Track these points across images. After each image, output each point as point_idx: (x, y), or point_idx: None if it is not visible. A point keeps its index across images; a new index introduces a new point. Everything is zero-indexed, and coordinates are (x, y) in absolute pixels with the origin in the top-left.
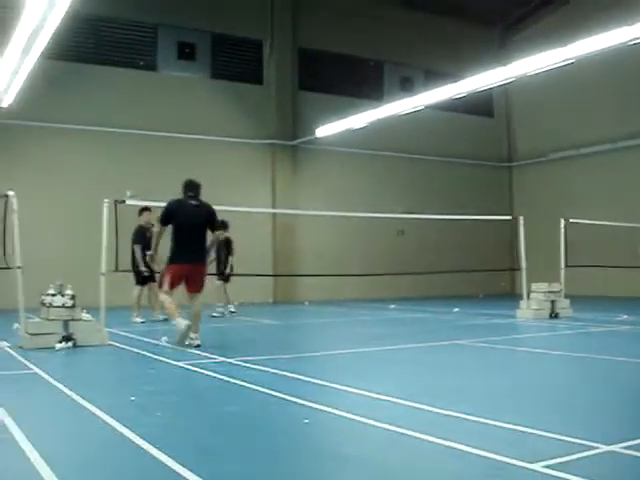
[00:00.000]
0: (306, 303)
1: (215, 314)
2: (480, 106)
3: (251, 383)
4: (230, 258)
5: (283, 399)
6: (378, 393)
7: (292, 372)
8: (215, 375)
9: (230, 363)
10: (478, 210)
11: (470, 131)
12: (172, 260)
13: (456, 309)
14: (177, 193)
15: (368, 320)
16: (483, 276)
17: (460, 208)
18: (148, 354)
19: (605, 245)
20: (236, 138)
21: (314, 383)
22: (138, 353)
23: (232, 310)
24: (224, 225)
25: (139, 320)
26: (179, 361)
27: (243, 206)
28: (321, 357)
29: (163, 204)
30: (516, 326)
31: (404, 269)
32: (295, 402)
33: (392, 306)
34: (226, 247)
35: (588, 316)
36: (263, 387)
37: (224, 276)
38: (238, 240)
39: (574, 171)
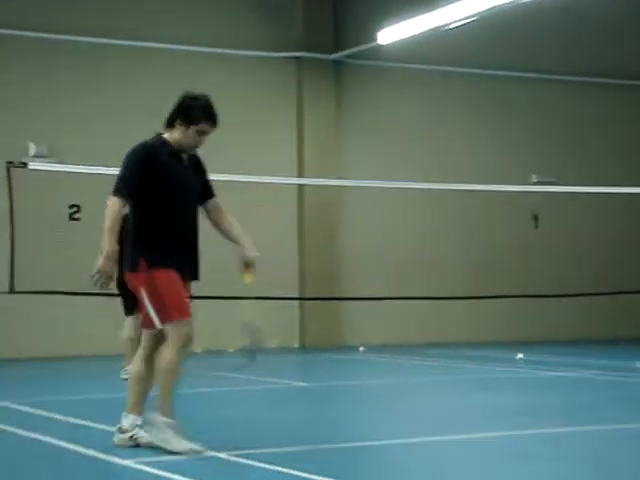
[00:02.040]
0: (361, 349)
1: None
2: None
3: None
4: None
5: None
6: None
7: (333, 477)
8: None
9: (224, 460)
10: None
11: None
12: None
13: None
14: (120, 145)
15: (473, 381)
16: None
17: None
18: (71, 446)
19: None
20: (234, 49)
21: None
22: (51, 444)
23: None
24: None
25: None
26: (127, 458)
27: (246, 173)
28: (380, 449)
29: (102, 169)
30: None
31: (542, 287)
32: None
33: (520, 355)
34: None
35: None
36: None
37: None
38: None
39: None
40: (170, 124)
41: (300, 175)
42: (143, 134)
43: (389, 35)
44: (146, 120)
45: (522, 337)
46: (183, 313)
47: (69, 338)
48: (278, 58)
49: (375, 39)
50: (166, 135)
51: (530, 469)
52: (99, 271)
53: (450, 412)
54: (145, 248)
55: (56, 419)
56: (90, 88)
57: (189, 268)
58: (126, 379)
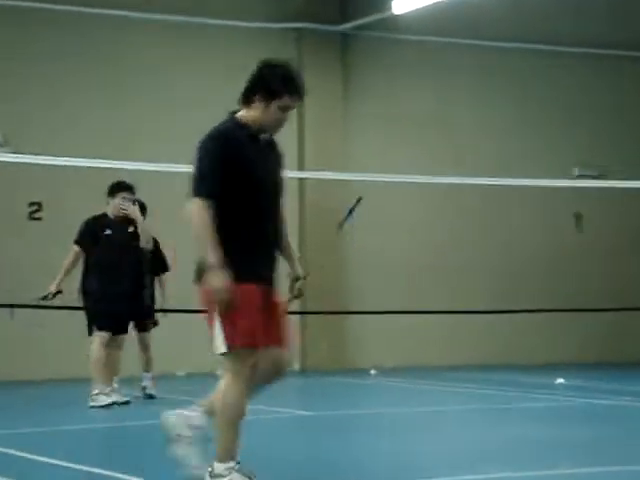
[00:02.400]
0: (372, 372)
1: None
2: None
3: None
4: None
5: None
6: None
7: None
8: None
9: None
10: None
11: None
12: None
13: None
14: (91, 134)
15: (510, 411)
16: None
17: None
18: None
19: None
20: (225, 19)
21: None
22: None
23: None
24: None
25: (110, 399)
26: None
27: None
28: None
29: (66, 161)
30: None
31: (584, 300)
32: None
33: (560, 380)
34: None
35: None
36: None
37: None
38: None
39: None
40: (247, 101)
41: (300, 168)
42: (117, 117)
43: (405, 3)
44: (128, 101)
45: (563, 358)
46: (250, 340)
47: (36, 358)
48: (275, 30)
49: (389, 8)
50: (242, 113)
51: None
52: (218, 292)
53: (484, 447)
54: (225, 257)
55: (16, 455)
56: (56, 63)
57: (271, 273)
58: (93, 406)
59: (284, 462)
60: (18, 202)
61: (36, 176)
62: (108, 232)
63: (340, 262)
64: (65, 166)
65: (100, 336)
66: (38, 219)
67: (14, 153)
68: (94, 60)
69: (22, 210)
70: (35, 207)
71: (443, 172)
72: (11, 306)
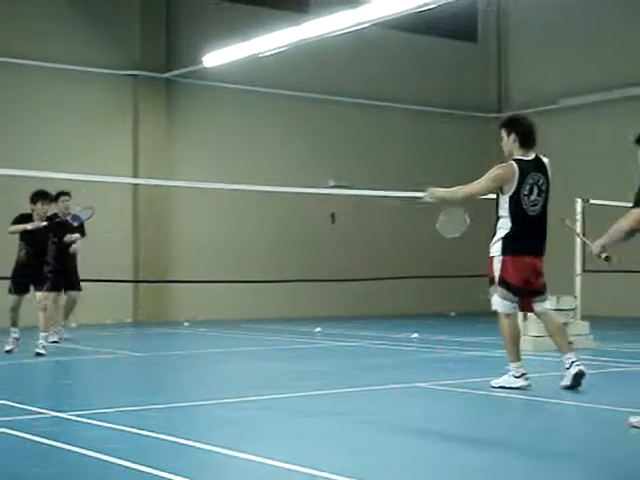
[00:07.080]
0: (185, 324)
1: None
2: (458, 26)
3: (94, 450)
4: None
5: (143, 473)
6: (278, 460)
7: (158, 431)
8: (36, 439)
9: (63, 419)
10: (452, 181)
11: (442, 63)
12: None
13: (415, 334)
14: None
15: (279, 351)
16: (456, 286)
17: (424, 178)
18: None
19: None
20: (76, 65)
21: (191, 447)
22: None
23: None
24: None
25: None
26: None
27: (85, 172)
28: (203, 408)
29: None
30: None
31: (335, 274)
32: (160, 477)
33: (317, 329)
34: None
35: (614, 347)
36: (112, 456)
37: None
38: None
39: (600, 124)
40: None
41: (136, 175)
42: None
43: (213, 59)
44: None
45: (320, 314)
46: None
47: None
48: (116, 76)
49: (201, 62)
50: None
51: (303, 425)
52: None
53: (250, 376)
54: None
55: None
56: None
57: None
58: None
59: (117, 387)
60: None
61: None
62: None
63: (165, 245)
64: None
65: None
66: None
67: None
68: None
69: None
70: None
71: (242, 180)
72: None
